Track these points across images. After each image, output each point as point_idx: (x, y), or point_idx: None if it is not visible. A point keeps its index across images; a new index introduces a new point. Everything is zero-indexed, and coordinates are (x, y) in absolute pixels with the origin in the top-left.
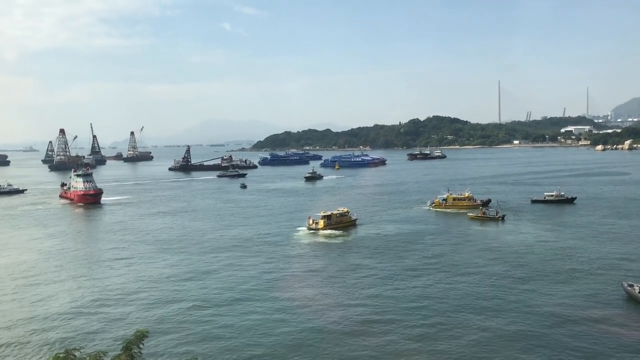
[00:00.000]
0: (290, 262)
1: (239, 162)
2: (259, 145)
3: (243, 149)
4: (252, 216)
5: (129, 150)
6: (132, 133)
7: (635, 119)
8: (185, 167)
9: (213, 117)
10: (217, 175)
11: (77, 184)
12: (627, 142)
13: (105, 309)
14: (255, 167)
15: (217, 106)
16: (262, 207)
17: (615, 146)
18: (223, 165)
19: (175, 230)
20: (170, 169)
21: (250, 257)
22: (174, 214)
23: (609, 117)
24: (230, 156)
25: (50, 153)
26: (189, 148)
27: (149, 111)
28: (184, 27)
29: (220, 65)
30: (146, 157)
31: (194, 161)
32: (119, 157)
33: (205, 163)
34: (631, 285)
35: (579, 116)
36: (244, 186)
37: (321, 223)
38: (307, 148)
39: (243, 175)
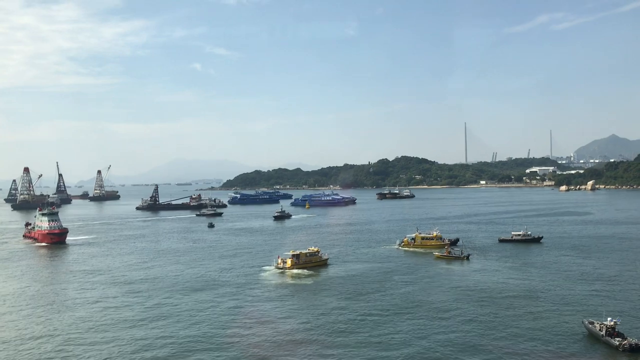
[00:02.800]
0: (255, 304)
1: (208, 201)
2: (228, 184)
3: (212, 188)
4: (219, 256)
5: (95, 189)
6: (99, 172)
7: (597, 161)
8: (153, 206)
9: (182, 156)
10: (197, 215)
11: (42, 223)
12: (590, 183)
13: (65, 354)
14: (224, 206)
15: (186, 145)
16: (229, 246)
17: (578, 187)
18: (192, 204)
19: (140, 271)
20: (137, 208)
21: (216, 298)
22: (139, 254)
23: (572, 158)
24: (200, 195)
25: (13, 192)
26: (157, 187)
27: (117, 150)
28: (154, 66)
29: (190, 104)
30: (113, 196)
31: (162, 200)
32: (85, 196)
33: (174, 202)
34: (592, 323)
35: (543, 157)
36: (211, 225)
37: (289, 262)
38: (278, 187)
39: (220, 214)
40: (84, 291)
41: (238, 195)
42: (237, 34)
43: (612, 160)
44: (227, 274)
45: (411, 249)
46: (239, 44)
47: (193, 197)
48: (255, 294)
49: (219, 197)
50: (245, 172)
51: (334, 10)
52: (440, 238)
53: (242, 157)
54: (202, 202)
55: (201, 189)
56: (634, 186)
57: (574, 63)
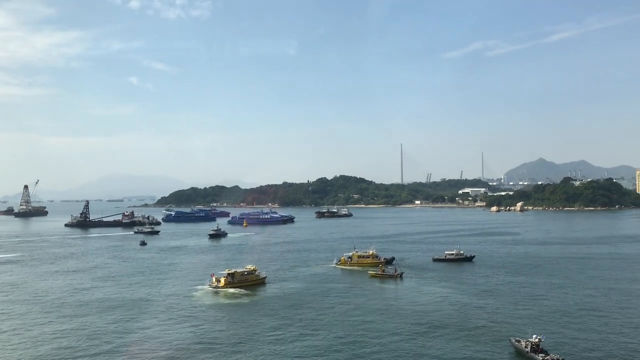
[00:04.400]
0: (183, 325)
1: (141, 219)
2: (163, 202)
3: (146, 205)
4: (150, 275)
5: (21, 205)
6: (25, 187)
7: (526, 183)
8: (83, 223)
9: (116, 171)
10: (134, 232)
11: None
12: (519, 204)
13: None
14: (158, 223)
15: (121, 160)
16: (162, 265)
17: (508, 208)
18: (124, 221)
19: (67, 291)
20: (66, 225)
21: (146, 320)
22: (67, 273)
23: (502, 180)
24: (132, 212)
25: None
26: (87, 203)
27: (46, 164)
28: (89, 79)
29: (126, 119)
30: (41, 212)
31: (93, 217)
32: (9, 212)
33: (105, 219)
34: (518, 341)
35: (475, 179)
36: (143, 244)
37: (222, 281)
38: (215, 205)
39: (157, 232)
40: (2, 314)
41: (173, 213)
42: (176, 49)
43: (539, 182)
44: (157, 293)
45: (348, 268)
46: (178, 59)
47: (125, 214)
48: (183, 314)
49: (152, 215)
50: (182, 188)
51: (275, 29)
52: (377, 256)
53: (178, 174)
54: (135, 219)
55: (134, 206)
56: (560, 208)
57: (505, 89)
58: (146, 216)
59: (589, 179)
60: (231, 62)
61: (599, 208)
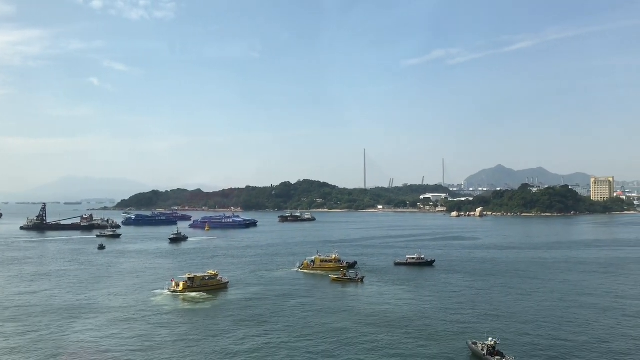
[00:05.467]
0: (143, 331)
1: (100, 222)
2: (123, 204)
3: (105, 208)
4: (107, 279)
5: None
6: None
7: (485, 189)
8: (40, 226)
9: (74, 173)
10: (97, 236)
11: None
12: (479, 210)
13: None
14: (118, 227)
15: (80, 162)
16: (120, 270)
17: (468, 213)
18: (83, 224)
19: (21, 297)
20: (22, 228)
21: (103, 326)
22: (21, 278)
23: (463, 186)
24: (91, 215)
25: None
26: (44, 206)
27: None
28: (48, 78)
29: (85, 120)
30: None
31: (50, 220)
32: None
33: (63, 222)
34: (475, 343)
35: (436, 184)
36: (102, 247)
37: (181, 286)
38: (176, 208)
39: (118, 236)
40: None
41: (132, 216)
42: (138, 50)
43: (498, 189)
44: (114, 298)
45: (310, 272)
46: (140, 60)
47: (84, 217)
48: (138, 318)
49: (112, 218)
50: (142, 191)
51: (239, 32)
52: (339, 261)
53: (139, 177)
54: (94, 222)
55: (93, 209)
56: (518, 213)
57: (465, 97)
58: (105, 219)
59: (546, 186)
60: (194, 65)
61: (556, 214)
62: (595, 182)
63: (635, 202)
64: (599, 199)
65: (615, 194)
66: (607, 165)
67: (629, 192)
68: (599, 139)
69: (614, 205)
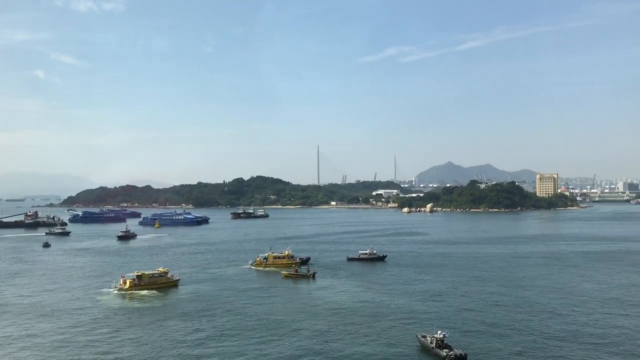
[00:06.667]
0: (87, 330)
1: (45, 219)
2: (70, 201)
3: (51, 205)
4: (51, 278)
5: None
6: None
7: (435, 185)
8: None
9: (17, 169)
10: (46, 233)
11: None
12: (429, 206)
13: None
14: (64, 224)
15: (24, 157)
16: (66, 268)
17: (419, 209)
18: (27, 222)
19: None
20: None
21: (41, 324)
22: None
23: (414, 183)
24: (36, 212)
25: None
26: None
27: None
28: None
29: (30, 114)
30: None
31: None
32: None
33: (5, 219)
34: (424, 337)
35: (388, 181)
36: (47, 245)
37: (128, 283)
38: (125, 205)
39: (68, 233)
40: None
41: (80, 213)
42: (86, 42)
43: (448, 185)
44: (57, 297)
45: (263, 269)
46: (89, 53)
47: (28, 214)
48: (82, 318)
49: (58, 215)
50: (90, 188)
51: (192, 26)
52: (292, 257)
53: (87, 173)
54: (39, 219)
55: (38, 206)
56: (467, 209)
57: (417, 94)
58: (51, 216)
59: (493, 182)
60: (146, 59)
61: (503, 209)
62: (540, 179)
63: (578, 198)
64: (544, 195)
65: (559, 190)
66: (552, 162)
67: (572, 189)
68: (544, 137)
69: (558, 201)
